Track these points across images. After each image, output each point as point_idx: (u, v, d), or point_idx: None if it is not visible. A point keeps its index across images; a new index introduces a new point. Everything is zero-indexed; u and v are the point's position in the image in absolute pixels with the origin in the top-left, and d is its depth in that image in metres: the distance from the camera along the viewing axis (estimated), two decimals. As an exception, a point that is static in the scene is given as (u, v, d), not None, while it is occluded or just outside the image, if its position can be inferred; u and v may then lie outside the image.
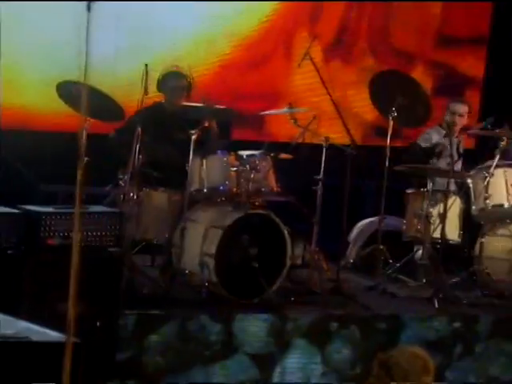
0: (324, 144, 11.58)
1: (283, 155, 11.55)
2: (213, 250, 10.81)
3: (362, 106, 13.12)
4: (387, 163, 11.92)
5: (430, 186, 11.93)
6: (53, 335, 7.10)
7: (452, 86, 13.73)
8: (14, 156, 11.82)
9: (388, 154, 11.98)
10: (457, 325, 11.35)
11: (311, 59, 12.22)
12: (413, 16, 14.20)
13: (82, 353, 7.38)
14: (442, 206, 11.88)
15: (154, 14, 12.90)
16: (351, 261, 12.50)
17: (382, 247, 12.07)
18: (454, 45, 14.46)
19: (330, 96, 12.10)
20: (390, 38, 14.07)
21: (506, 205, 11.92)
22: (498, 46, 14.30)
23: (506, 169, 11.99)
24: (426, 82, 13.82)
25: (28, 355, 6.82)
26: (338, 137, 11.93)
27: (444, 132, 12.44)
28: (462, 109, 12.65)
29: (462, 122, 12.62)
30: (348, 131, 11.99)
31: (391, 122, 11.99)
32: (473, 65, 14.42)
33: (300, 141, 11.87)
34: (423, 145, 12.55)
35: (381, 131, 12.10)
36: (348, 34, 13.83)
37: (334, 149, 11.80)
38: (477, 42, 14.50)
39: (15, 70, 12.25)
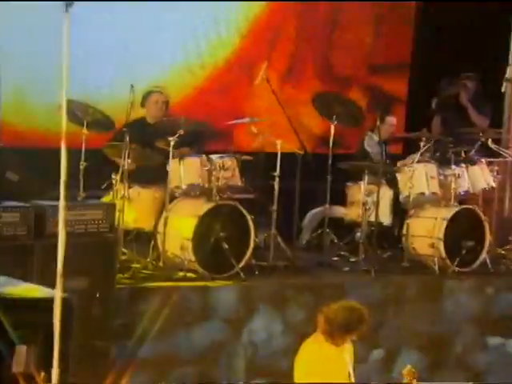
0: (279, 147, 11.55)
1: (245, 157, 11.59)
2: (190, 234, 10.86)
3: (311, 121, 13.06)
4: (330, 161, 11.95)
5: (365, 179, 11.96)
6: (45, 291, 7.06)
7: (382, 103, 13.63)
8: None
9: (330, 156, 12.07)
10: (389, 290, 11.49)
11: (269, 84, 12.35)
12: (349, 47, 14.16)
13: (73, 308, 7.48)
14: (375, 195, 11.96)
15: (140, 47, 12.78)
16: (304, 242, 12.52)
17: (328, 230, 12.11)
18: (382, 70, 14.44)
19: (285, 113, 12.19)
20: (331, 66, 14.03)
21: (427, 192, 12.00)
22: (418, 69, 14.29)
23: (426, 164, 12.08)
24: (361, 101, 13.86)
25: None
26: (292, 146, 11.83)
27: (376, 137, 12.39)
28: (392, 120, 12.73)
29: (391, 130, 12.66)
30: (300, 141, 12.14)
31: (333, 127, 12.09)
32: (398, 86, 14.41)
33: (260, 146, 12.00)
34: (368, 149, 12.52)
35: (326, 141, 12.03)
36: (297, 63, 13.73)
37: (287, 155, 11.88)
38: (401, 67, 14.49)
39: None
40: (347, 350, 7.94)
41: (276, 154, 11.69)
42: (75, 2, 5.59)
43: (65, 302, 6.42)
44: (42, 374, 5.92)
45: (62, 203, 5.64)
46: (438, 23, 14.13)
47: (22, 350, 6.14)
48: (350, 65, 14.32)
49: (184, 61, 13.30)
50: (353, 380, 7.93)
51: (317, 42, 14.06)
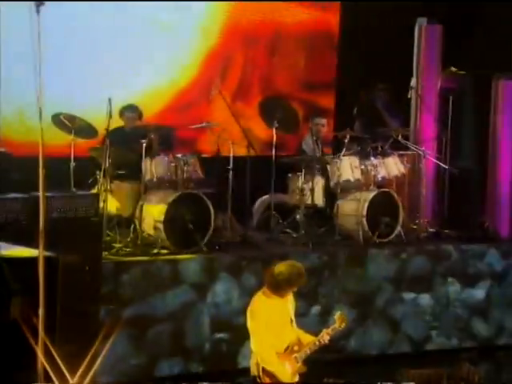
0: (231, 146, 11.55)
1: (204, 155, 11.66)
2: (161, 218, 10.84)
3: (258, 130, 12.94)
4: (274, 157, 11.86)
5: (303, 171, 11.91)
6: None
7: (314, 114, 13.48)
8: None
9: (274, 152, 11.98)
10: (324, 258, 11.45)
11: (222, 95, 12.35)
12: (287, 69, 14.03)
13: (57, 265, 7.33)
14: (310, 183, 11.89)
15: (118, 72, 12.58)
16: (255, 223, 12.37)
17: (274, 213, 12.00)
18: (313, 87, 14.31)
19: (237, 121, 12.12)
20: (273, 84, 13.89)
21: (352, 179, 11.99)
22: (342, 85, 14.17)
23: (350, 156, 12.09)
24: (298, 111, 13.73)
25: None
26: (243, 149, 11.80)
27: (312, 137, 12.34)
28: (323, 121, 12.69)
29: (322, 129, 12.64)
30: (250, 143, 11.96)
31: (274, 130, 12.04)
32: (326, 100, 14.27)
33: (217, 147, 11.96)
34: (305, 148, 12.47)
35: (270, 146, 11.93)
36: (245, 84, 13.63)
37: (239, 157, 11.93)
38: (328, 85, 14.36)
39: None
40: (289, 301, 7.90)
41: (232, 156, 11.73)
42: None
43: (48, 259, 6.28)
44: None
45: (41, 189, 5.39)
46: (357, 48, 13.95)
47: (17, 300, 6.10)
48: (288, 84, 14.16)
49: (157, 83, 13.02)
50: (294, 324, 7.89)
51: (261, 66, 13.88)
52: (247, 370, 8.10)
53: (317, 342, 7.77)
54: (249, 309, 7.88)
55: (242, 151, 11.93)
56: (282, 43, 14.02)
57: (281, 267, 7.77)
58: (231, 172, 11.51)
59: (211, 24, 13.52)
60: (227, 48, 13.63)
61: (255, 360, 7.75)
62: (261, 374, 7.68)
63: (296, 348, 7.73)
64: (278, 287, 7.71)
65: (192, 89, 13.40)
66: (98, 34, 12.44)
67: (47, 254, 6.22)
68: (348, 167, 12.02)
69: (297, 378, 7.74)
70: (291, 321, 7.86)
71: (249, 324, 7.82)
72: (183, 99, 13.31)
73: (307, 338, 7.85)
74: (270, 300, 7.74)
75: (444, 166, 12.75)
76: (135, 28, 12.74)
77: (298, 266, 7.88)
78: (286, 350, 7.70)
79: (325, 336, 7.78)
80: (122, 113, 11.46)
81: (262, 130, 12.98)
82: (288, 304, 7.84)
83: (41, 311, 5.41)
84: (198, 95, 13.32)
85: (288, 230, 12.00)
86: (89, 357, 9.64)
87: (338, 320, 7.83)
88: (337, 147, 12.85)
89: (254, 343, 7.77)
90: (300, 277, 7.80)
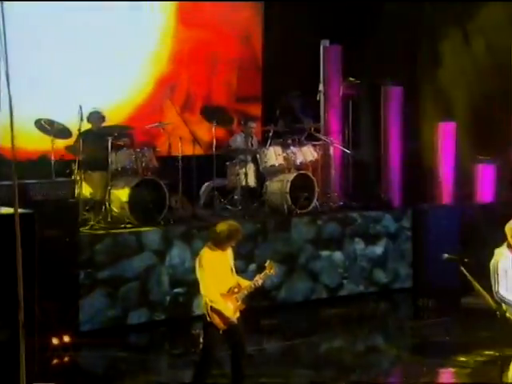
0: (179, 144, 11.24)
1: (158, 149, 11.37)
2: (126, 199, 10.47)
3: (203, 133, 12.37)
4: (214, 148, 11.58)
5: (238, 158, 11.80)
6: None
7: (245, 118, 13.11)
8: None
9: (214, 146, 11.67)
10: (257, 226, 11.14)
11: (174, 104, 12.13)
12: (224, 86, 13.63)
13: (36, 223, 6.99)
14: (244, 169, 11.61)
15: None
16: (202, 202, 12.00)
17: (216, 193, 11.67)
18: (245, 100, 13.91)
19: (187, 125, 11.79)
20: (212, 98, 13.49)
21: (276, 164, 11.72)
22: (267, 96, 13.81)
23: (274, 146, 11.87)
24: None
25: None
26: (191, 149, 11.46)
27: (243, 135, 12.01)
28: (253, 125, 12.42)
29: (253, 130, 12.38)
30: (198, 141, 11.63)
31: (214, 129, 11.74)
32: (254, 108, 13.84)
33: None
34: (232, 144, 12.14)
35: (211, 146, 11.68)
36: (191, 99, 13.20)
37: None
38: (255, 98, 13.97)
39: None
40: (229, 253, 7.63)
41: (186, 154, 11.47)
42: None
43: (26, 215, 5.86)
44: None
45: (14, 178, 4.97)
46: (277, 65, 13.47)
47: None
48: (224, 97, 13.70)
49: (118, 100, 12.42)
50: (234, 272, 7.62)
51: (202, 84, 13.42)
52: (200, 317, 7.84)
53: (252, 285, 7.57)
54: (197, 260, 7.63)
55: (189, 150, 11.49)
56: (218, 65, 13.61)
57: (222, 226, 7.55)
58: (180, 162, 11.07)
59: (162, 51, 13.07)
60: (175, 70, 13.15)
61: (204, 301, 7.53)
62: (209, 311, 7.44)
63: (236, 290, 7.51)
64: (220, 242, 7.49)
65: (147, 103, 12.85)
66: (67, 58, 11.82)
67: (23, 211, 5.73)
68: (273, 155, 11.75)
69: (238, 314, 7.49)
70: (231, 269, 7.63)
71: (197, 272, 7.55)
72: (140, 111, 12.77)
73: (245, 283, 7.62)
74: (214, 252, 7.50)
75: (347, 151, 12.76)
76: (98, 56, 12.11)
77: (235, 224, 7.67)
78: (228, 291, 7.49)
79: (258, 280, 7.55)
80: (88, 118, 10.92)
81: (204, 133, 12.43)
82: (228, 256, 7.60)
83: (19, 268, 4.86)
84: (153, 108, 12.77)
85: (228, 206, 11.66)
86: (72, 311, 9.40)
87: (268, 267, 7.60)
88: (264, 140, 12.50)
89: (202, 288, 7.54)
90: (237, 232, 7.57)
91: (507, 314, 7.27)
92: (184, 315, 10.31)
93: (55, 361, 8.74)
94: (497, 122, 13.69)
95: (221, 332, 7.39)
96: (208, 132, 12.24)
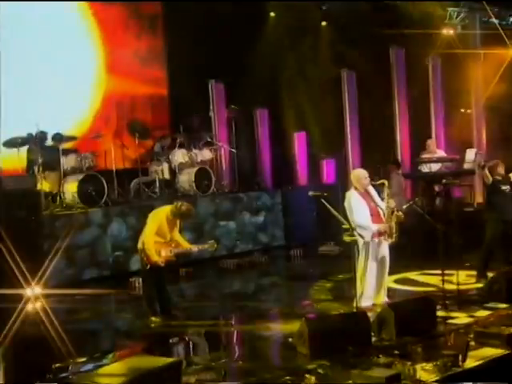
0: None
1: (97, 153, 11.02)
2: (75, 190, 10.22)
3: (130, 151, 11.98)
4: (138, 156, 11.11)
5: (154, 159, 11.67)
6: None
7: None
8: None
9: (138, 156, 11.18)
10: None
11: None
12: (141, 118, 13.12)
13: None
14: (161, 166, 11.53)
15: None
16: (132, 193, 11.48)
17: (143, 186, 11.42)
18: (158, 128, 13.22)
19: (124, 145, 11.51)
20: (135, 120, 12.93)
21: (183, 161, 11.62)
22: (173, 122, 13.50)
23: (181, 149, 11.73)
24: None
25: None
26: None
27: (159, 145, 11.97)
28: (167, 141, 12.17)
29: (167, 144, 12.10)
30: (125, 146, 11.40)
31: (137, 140, 11.46)
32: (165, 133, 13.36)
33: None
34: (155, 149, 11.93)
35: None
36: (120, 127, 12.65)
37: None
38: (165, 126, 13.42)
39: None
40: (179, 224, 7.44)
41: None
42: None
43: None
44: None
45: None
46: (180, 104, 13.15)
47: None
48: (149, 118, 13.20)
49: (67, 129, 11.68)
50: (179, 235, 7.41)
51: (127, 118, 12.72)
52: (136, 272, 7.86)
53: (188, 248, 7.38)
54: (152, 213, 7.39)
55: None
56: (138, 104, 13.27)
57: (184, 205, 7.33)
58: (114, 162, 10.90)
59: (96, 92, 12.72)
60: (107, 107, 12.75)
61: (140, 244, 7.30)
62: (142, 252, 7.28)
63: (173, 245, 7.26)
64: (176, 216, 7.29)
65: (88, 133, 12.28)
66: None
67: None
68: (181, 155, 11.63)
69: (163, 261, 7.18)
70: (180, 230, 7.46)
71: (148, 220, 7.29)
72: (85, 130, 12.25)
73: (185, 244, 7.40)
74: (171, 217, 7.30)
75: (234, 150, 12.74)
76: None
77: (189, 206, 7.42)
78: (164, 242, 7.21)
79: (194, 247, 7.43)
80: (53, 138, 10.59)
81: (131, 152, 11.99)
82: (178, 222, 7.40)
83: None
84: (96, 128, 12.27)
85: (151, 194, 11.38)
86: (40, 271, 8.96)
87: (210, 245, 7.41)
88: (174, 146, 12.07)
89: (143, 234, 7.30)
90: (190, 215, 7.45)
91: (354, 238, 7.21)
92: (123, 271, 10.02)
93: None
94: (334, 131, 14.04)
95: (148, 267, 7.17)
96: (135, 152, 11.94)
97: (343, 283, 8.47)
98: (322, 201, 6.72)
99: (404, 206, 8.49)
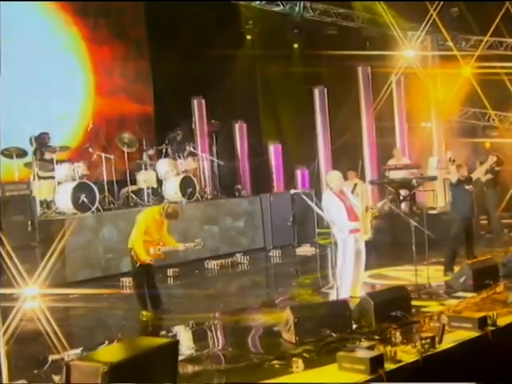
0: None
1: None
2: (70, 197, 9.86)
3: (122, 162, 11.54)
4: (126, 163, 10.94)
5: (143, 169, 11.11)
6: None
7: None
8: None
9: (126, 160, 10.90)
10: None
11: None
12: (129, 134, 12.60)
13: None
14: (149, 175, 11.20)
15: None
16: (122, 199, 11.22)
17: (131, 194, 11.10)
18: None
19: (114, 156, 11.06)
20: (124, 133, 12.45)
21: (169, 171, 11.28)
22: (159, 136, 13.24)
23: (167, 159, 11.49)
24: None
25: None
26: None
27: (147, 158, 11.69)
28: (152, 152, 11.84)
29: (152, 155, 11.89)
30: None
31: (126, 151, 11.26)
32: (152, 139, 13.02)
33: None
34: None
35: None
36: (108, 140, 12.26)
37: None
38: (149, 142, 12.79)
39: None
40: (166, 223, 7.25)
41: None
42: None
43: None
44: None
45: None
46: (164, 123, 12.93)
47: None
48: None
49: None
50: (167, 234, 7.24)
51: (114, 139, 12.01)
52: (126, 273, 7.67)
53: (175, 246, 7.17)
54: (141, 214, 7.26)
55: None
56: (127, 121, 13.01)
57: (171, 206, 7.21)
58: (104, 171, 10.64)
59: (88, 110, 12.51)
60: (97, 123, 12.36)
61: (130, 244, 7.10)
62: (131, 251, 7.09)
63: (161, 244, 7.09)
64: (163, 216, 7.12)
65: (79, 145, 11.99)
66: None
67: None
68: (167, 165, 11.41)
69: (152, 258, 7.02)
70: (167, 231, 7.27)
71: (137, 221, 7.11)
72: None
73: (173, 243, 7.22)
74: (159, 217, 7.13)
75: (216, 160, 12.63)
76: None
77: (176, 207, 7.29)
78: (153, 242, 7.04)
79: (181, 245, 7.22)
80: (36, 138, 10.20)
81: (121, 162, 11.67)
82: (166, 222, 7.22)
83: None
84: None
85: (139, 201, 11.05)
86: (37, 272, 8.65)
87: (197, 244, 7.22)
88: (160, 156, 11.94)
89: (132, 233, 7.09)
90: (177, 215, 7.21)
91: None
92: (115, 272, 9.71)
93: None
94: (307, 143, 14.05)
95: (138, 265, 6.99)
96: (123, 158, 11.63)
97: (321, 280, 8.35)
98: (304, 197, 6.62)
99: (379, 204, 8.45)
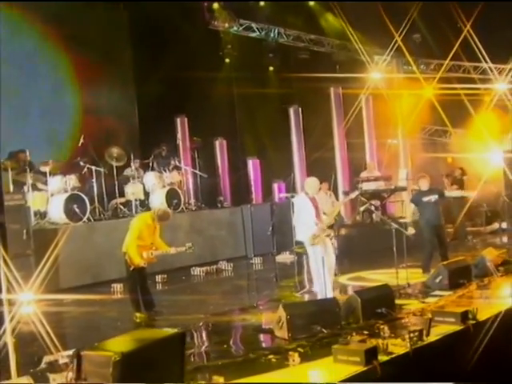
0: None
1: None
2: (62, 208, 9.63)
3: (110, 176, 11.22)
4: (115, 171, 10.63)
5: (131, 182, 10.90)
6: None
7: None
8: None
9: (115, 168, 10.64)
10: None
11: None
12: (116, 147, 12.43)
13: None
14: (136, 187, 10.90)
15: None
16: (109, 206, 11.00)
17: (119, 203, 10.84)
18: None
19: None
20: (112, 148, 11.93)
21: (156, 183, 11.11)
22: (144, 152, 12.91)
23: (153, 172, 11.25)
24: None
25: None
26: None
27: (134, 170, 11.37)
28: (137, 164, 11.46)
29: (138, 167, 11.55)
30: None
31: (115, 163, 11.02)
32: (139, 155, 12.50)
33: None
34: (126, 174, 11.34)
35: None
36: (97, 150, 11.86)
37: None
38: (135, 153, 12.46)
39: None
40: (158, 229, 7.11)
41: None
42: None
43: None
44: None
45: None
46: (149, 141, 12.58)
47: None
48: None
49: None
50: (159, 239, 7.07)
51: (101, 146, 11.84)
52: (117, 279, 7.56)
53: (167, 250, 7.00)
54: (134, 220, 7.09)
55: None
56: (114, 138, 12.41)
57: (161, 209, 7.19)
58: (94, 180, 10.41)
59: (77, 127, 12.12)
60: (87, 139, 11.62)
61: (124, 248, 6.90)
62: (125, 255, 6.92)
63: (154, 248, 6.94)
64: (155, 220, 6.99)
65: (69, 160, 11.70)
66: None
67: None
68: (153, 177, 11.22)
69: (145, 262, 6.86)
70: (158, 236, 7.09)
71: (131, 226, 6.94)
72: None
73: (165, 247, 7.06)
74: (151, 222, 6.99)
75: (199, 173, 12.33)
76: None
77: (169, 211, 7.29)
78: (145, 246, 6.89)
79: (172, 249, 7.03)
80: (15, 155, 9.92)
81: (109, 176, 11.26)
82: (158, 227, 7.07)
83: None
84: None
85: (127, 212, 10.80)
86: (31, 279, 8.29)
87: (188, 248, 6.99)
88: (147, 169, 11.64)
89: (126, 239, 6.94)
90: (168, 217, 7.13)
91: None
92: (105, 277, 9.44)
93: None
94: (283, 158, 13.99)
95: (131, 269, 6.83)
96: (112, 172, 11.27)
97: (298, 284, 8.30)
98: (291, 200, 6.57)
99: (361, 208, 8.41)
